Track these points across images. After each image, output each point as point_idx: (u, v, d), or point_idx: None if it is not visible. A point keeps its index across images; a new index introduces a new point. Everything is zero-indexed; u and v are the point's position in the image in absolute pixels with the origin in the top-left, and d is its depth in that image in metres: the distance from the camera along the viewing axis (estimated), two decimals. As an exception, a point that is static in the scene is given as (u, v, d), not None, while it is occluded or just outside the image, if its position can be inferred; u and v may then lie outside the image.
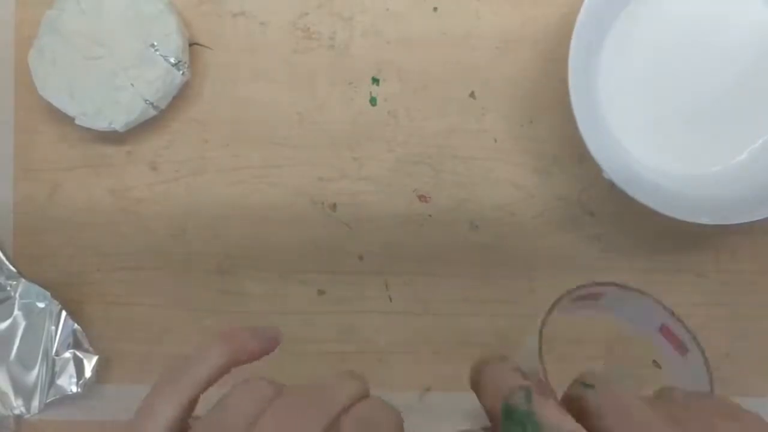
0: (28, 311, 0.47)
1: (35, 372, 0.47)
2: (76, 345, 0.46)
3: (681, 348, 0.35)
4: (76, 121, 0.45)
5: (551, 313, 0.34)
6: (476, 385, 0.28)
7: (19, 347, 0.47)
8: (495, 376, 0.27)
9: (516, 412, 0.25)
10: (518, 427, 0.24)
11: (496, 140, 0.47)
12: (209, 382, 0.26)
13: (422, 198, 0.47)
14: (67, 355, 0.46)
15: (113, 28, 0.44)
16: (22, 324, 0.47)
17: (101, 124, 0.45)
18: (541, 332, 0.31)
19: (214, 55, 0.48)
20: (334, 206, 0.47)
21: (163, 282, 0.48)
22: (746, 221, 0.41)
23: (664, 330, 0.38)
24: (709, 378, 0.32)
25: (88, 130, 0.45)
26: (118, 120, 0.45)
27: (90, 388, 0.47)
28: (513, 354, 0.32)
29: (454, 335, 0.47)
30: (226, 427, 0.24)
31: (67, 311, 0.47)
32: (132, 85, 0.44)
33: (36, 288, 0.47)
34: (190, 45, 0.46)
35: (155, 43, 0.44)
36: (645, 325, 0.36)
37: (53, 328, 0.46)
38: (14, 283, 0.47)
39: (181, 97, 0.47)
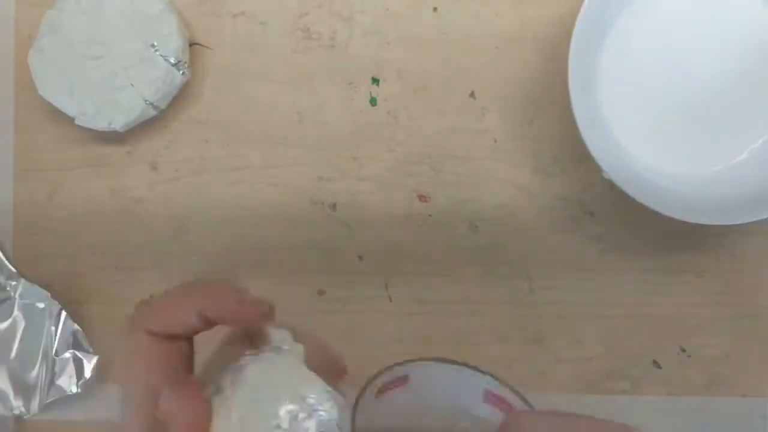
0: (28, 311, 0.47)
1: (35, 372, 0.47)
2: (76, 345, 0.46)
3: (510, 409, 0.32)
4: (76, 121, 0.45)
5: (363, 397, 0.32)
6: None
7: (19, 347, 0.47)
8: None
9: None
10: None
11: (496, 140, 0.47)
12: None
13: (422, 198, 0.47)
14: (67, 355, 0.46)
15: (113, 28, 0.44)
16: (22, 324, 0.47)
17: (101, 124, 0.45)
18: (354, 416, 0.30)
19: (214, 55, 0.48)
20: (334, 206, 0.47)
21: (163, 282, 0.48)
22: (746, 221, 0.41)
23: (489, 396, 0.35)
24: None
25: (88, 130, 0.45)
26: (118, 120, 0.45)
27: (90, 388, 0.47)
28: None
29: (453, 335, 0.47)
30: None
31: (67, 311, 0.47)
32: (132, 85, 0.44)
33: (36, 288, 0.47)
34: (190, 45, 0.46)
35: (155, 43, 0.44)
36: (465, 399, 0.33)
37: (53, 328, 0.46)
38: (14, 283, 0.47)
39: (181, 97, 0.47)
